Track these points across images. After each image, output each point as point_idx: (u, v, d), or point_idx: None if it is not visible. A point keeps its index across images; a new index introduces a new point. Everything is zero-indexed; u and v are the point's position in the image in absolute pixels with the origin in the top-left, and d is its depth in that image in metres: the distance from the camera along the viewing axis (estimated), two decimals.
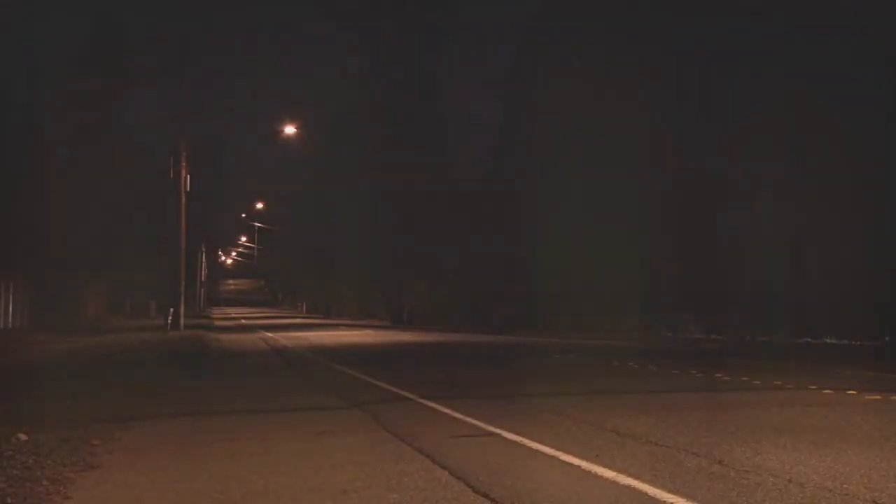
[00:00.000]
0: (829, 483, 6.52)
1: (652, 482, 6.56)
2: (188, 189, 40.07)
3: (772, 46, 28.31)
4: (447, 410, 10.76)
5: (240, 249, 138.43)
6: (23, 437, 8.83)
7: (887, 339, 24.88)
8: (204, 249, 76.78)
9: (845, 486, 6.43)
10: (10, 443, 8.53)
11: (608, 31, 35.41)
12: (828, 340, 26.14)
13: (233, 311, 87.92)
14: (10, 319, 33.72)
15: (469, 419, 9.94)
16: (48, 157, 39.69)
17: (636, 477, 6.74)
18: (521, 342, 28.76)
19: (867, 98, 26.20)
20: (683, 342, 27.96)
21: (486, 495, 6.30)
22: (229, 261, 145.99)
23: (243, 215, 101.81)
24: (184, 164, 39.69)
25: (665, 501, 6.04)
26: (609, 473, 6.91)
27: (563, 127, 37.71)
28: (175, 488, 6.80)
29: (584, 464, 7.30)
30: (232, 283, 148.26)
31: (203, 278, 79.78)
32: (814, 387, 12.97)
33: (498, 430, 9.07)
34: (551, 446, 8.08)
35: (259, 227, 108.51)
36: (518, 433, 8.81)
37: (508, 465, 7.33)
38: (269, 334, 36.75)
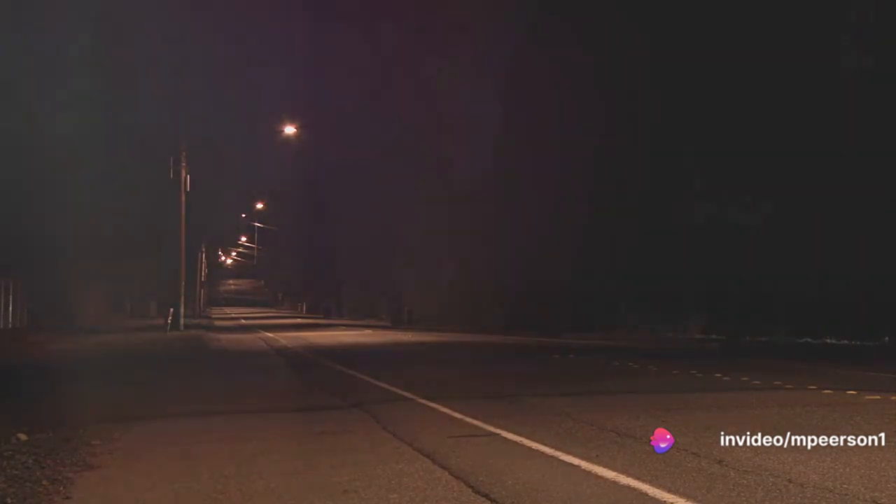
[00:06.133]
0: (829, 483, 6.52)
1: (652, 482, 6.57)
2: (188, 189, 40.07)
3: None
4: (447, 410, 10.76)
5: (240, 249, 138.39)
6: (23, 437, 8.83)
7: (887, 339, 24.87)
8: (204, 249, 76.75)
9: (845, 486, 6.43)
10: (10, 443, 8.53)
11: (607, 30, 35.43)
12: (827, 340, 26.11)
13: (233, 312, 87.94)
14: (10, 319, 33.72)
15: (469, 419, 9.94)
16: (48, 157, 39.68)
17: (636, 477, 6.75)
18: (521, 342, 28.75)
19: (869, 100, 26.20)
20: (683, 342, 27.96)
21: (486, 495, 6.31)
22: (229, 261, 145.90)
23: (243, 215, 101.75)
24: (184, 164, 39.69)
25: (665, 501, 6.05)
26: (609, 473, 6.91)
27: (559, 125, 37.75)
28: (175, 488, 6.80)
29: (584, 464, 7.30)
30: (232, 283, 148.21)
31: (203, 278, 79.73)
32: (814, 387, 12.95)
33: (498, 430, 9.07)
34: (551, 446, 8.09)
35: (259, 226, 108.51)
36: (518, 433, 8.81)
37: (508, 465, 7.33)
38: (269, 334, 36.75)
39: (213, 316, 72.64)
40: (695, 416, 9.90)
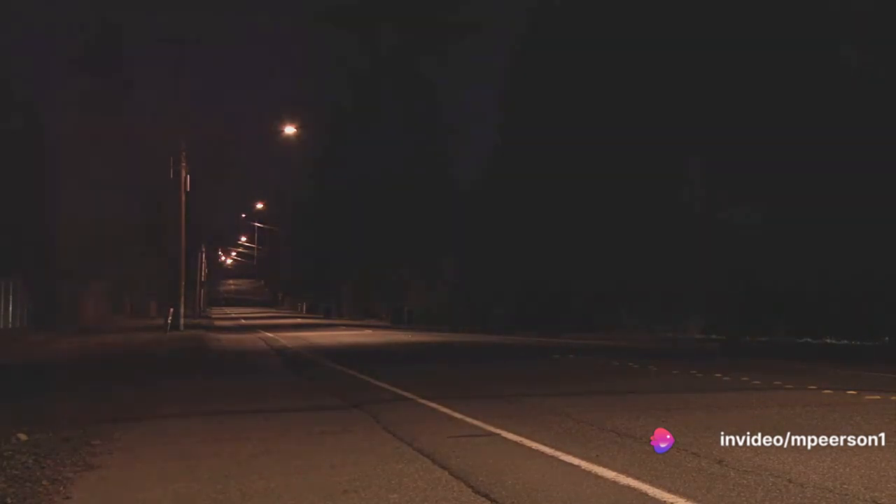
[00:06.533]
0: (829, 483, 6.52)
1: (652, 482, 6.57)
2: (188, 189, 40.09)
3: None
4: (447, 410, 10.76)
5: (240, 249, 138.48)
6: (23, 437, 8.83)
7: (887, 339, 24.87)
8: (204, 249, 76.77)
9: (845, 486, 6.43)
10: (10, 443, 8.53)
11: (607, 28, 35.44)
12: (827, 340, 26.11)
13: (233, 311, 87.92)
14: (11, 319, 33.73)
15: (469, 419, 9.94)
16: (49, 158, 39.72)
17: (636, 477, 6.75)
18: (521, 342, 28.75)
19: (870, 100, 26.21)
20: (683, 342, 27.94)
21: (486, 495, 6.31)
22: (229, 261, 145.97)
23: (243, 215, 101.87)
24: (184, 164, 39.69)
25: (665, 501, 6.05)
26: (609, 473, 6.91)
27: (561, 125, 37.77)
28: (175, 488, 6.80)
29: (584, 464, 7.30)
30: (232, 283, 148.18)
31: (203, 278, 79.75)
32: (814, 387, 12.95)
33: (498, 430, 9.07)
34: (551, 446, 8.09)
35: (259, 226, 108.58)
36: (518, 433, 8.81)
37: (508, 465, 7.33)
38: (269, 334, 36.74)
39: (214, 316, 72.64)
40: (695, 416, 9.90)
